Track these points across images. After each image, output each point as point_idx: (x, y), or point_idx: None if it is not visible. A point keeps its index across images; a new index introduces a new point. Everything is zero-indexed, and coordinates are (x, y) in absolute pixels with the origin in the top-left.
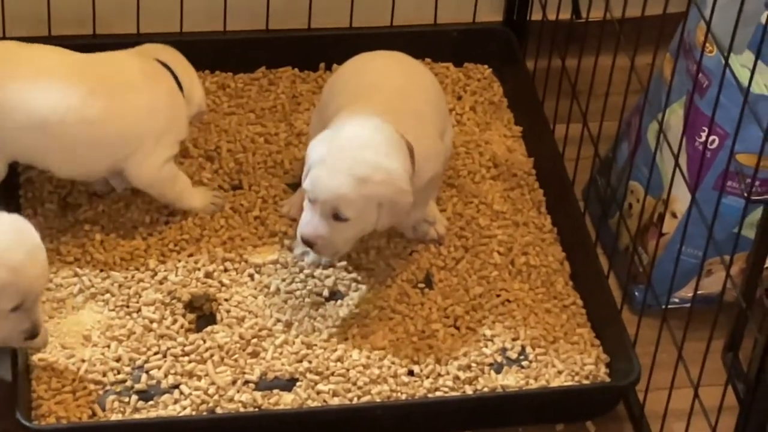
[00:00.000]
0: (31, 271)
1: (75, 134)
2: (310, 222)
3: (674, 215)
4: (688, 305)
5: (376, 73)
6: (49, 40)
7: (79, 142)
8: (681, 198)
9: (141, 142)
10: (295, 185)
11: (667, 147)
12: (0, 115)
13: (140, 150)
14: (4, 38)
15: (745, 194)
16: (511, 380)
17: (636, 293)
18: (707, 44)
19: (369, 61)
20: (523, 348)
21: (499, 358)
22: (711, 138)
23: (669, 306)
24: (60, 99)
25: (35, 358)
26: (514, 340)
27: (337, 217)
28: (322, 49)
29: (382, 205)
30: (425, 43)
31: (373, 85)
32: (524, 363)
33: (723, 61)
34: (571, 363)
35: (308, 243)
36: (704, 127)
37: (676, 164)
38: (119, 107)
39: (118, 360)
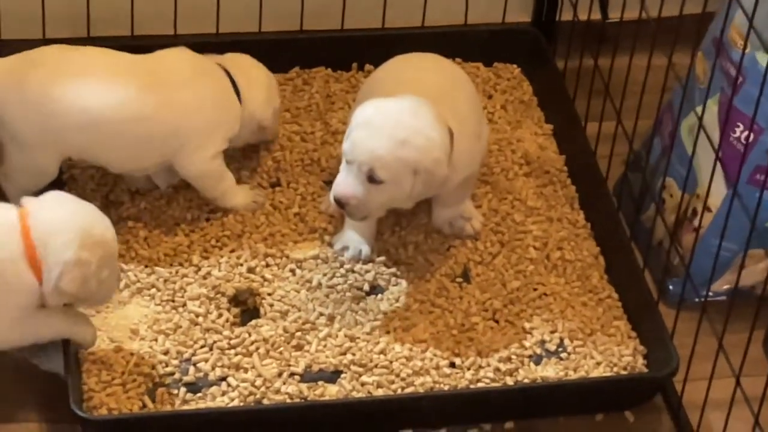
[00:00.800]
0: (112, 236)
1: (126, 131)
2: (344, 182)
3: (708, 209)
4: (721, 298)
5: (414, 73)
6: (88, 41)
7: (131, 138)
8: (714, 192)
9: (189, 136)
10: (332, 183)
11: (699, 143)
12: (55, 115)
13: (189, 144)
14: (44, 40)
15: None
16: (550, 371)
17: (670, 287)
18: (740, 41)
19: (406, 61)
20: (562, 340)
21: (538, 350)
22: (746, 133)
23: (702, 299)
24: (111, 98)
25: (85, 351)
26: (552, 332)
27: (372, 179)
28: (354, 50)
29: (417, 173)
30: (456, 43)
31: (412, 85)
32: (563, 355)
33: (756, 58)
34: (609, 354)
35: (340, 203)
36: (738, 123)
37: (717, 159)
38: (168, 103)
39: (165, 353)
